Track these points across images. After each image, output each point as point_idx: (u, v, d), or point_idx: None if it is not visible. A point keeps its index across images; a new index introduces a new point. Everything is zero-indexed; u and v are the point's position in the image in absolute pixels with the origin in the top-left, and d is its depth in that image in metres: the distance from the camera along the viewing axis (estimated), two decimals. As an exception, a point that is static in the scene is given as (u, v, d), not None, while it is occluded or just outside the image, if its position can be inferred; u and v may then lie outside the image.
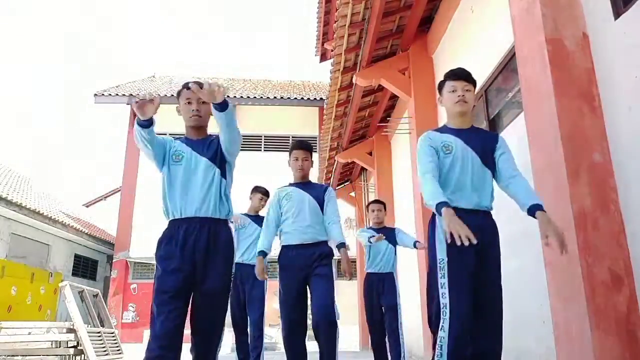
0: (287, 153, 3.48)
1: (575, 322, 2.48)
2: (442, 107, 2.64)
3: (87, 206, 20.77)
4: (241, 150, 2.58)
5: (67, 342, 6.14)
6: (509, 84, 4.30)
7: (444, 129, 2.55)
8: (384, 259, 4.62)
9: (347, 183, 11.63)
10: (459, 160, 2.40)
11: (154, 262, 2.38)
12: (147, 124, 2.27)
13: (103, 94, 15.17)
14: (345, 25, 5.56)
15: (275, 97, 15.36)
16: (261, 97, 15.26)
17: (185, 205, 2.37)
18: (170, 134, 2.64)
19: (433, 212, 2.46)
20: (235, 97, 14.87)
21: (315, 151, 12.57)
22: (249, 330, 4.36)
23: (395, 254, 4.69)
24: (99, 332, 6.74)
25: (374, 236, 4.44)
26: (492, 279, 2.35)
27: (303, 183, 3.40)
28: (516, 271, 3.63)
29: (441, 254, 2.33)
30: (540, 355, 3.45)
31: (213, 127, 2.61)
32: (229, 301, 2.65)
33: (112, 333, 7.23)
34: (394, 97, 7.68)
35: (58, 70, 65.89)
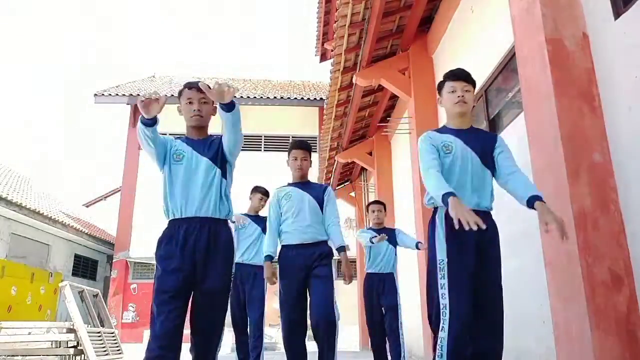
0: (287, 153, 3.49)
1: (575, 322, 2.48)
2: (441, 107, 2.64)
3: (87, 206, 20.78)
4: (241, 150, 2.58)
5: (67, 342, 6.14)
6: (509, 84, 4.31)
7: (443, 130, 2.55)
8: (384, 259, 4.61)
9: (347, 183, 11.64)
10: (459, 160, 2.40)
11: (154, 262, 2.38)
12: (151, 122, 2.27)
13: (103, 94, 15.17)
14: (345, 25, 5.57)
15: (275, 97, 15.37)
16: (261, 97, 15.27)
17: (185, 205, 2.38)
18: (170, 134, 2.64)
19: (433, 212, 2.47)
20: (235, 97, 14.77)
21: (315, 151, 12.64)
22: (248, 330, 4.36)
23: (396, 254, 4.69)
24: (99, 332, 6.74)
25: (375, 236, 4.42)
26: (493, 279, 2.35)
27: (302, 183, 3.40)
28: (516, 271, 3.63)
29: (441, 254, 2.33)
30: (540, 355, 3.45)
31: (213, 127, 2.62)
32: (229, 301, 2.65)
33: (112, 333, 7.23)
34: (394, 97, 7.68)
35: (58, 70, 65.95)
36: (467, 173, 2.39)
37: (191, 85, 2.49)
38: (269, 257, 3.28)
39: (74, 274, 14.96)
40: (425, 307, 5.47)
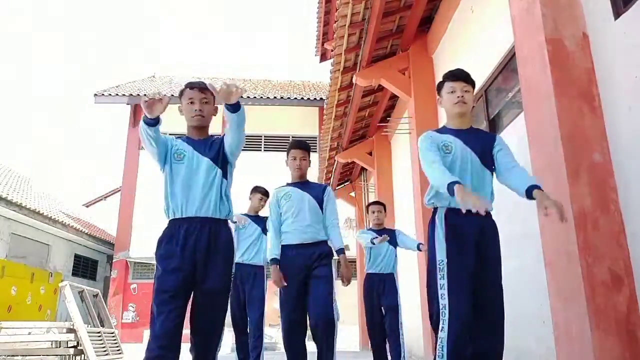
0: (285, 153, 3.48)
1: (575, 322, 2.48)
2: (441, 108, 2.64)
3: (87, 206, 20.78)
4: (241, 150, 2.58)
5: (67, 342, 6.14)
6: (509, 84, 4.31)
7: (443, 130, 2.55)
8: (384, 260, 4.60)
9: (347, 183, 11.64)
10: (459, 160, 2.40)
11: (154, 262, 2.38)
12: (154, 122, 2.29)
13: (103, 94, 15.17)
14: (345, 25, 5.57)
15: (275, 97, 15.38)
16: (261, 97, 15.27)
17: (186, 204, 2.38)
18: (170, 134, 2.64)
19: (433, 213, 2.47)
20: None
21: (315, 151, 12.65)
22: (248, 330, 4.36)
23: (396, 255, 4.68)
24: (99, 332, 6.74)
25: (376, 237, 4.39)
26: (493, 279, 2.35)
27: (301, 182, 3.39)
28: (516, 271, 3.63)
29: (440, 254, 2.33)
30: (540, 355, 3.45)
31: (213, 128, 2.62)
32: (229, 301, 2.64)
33: (112, 333, 7.23)
34: (394, 97, 7.68)
35: (58, 70, 65.95)
36: (466, 173, 2.39)
37: (193, 85, 2.50)
38: (276, 261, 3.22)
39: (74, 274, 14.96)
40: (425, 308, 5.47)
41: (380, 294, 4.56)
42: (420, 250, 4.56)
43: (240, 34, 74.31)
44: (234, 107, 2.29)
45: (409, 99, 6.14)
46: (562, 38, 2.81)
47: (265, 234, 4.33)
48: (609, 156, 2.66)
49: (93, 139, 57.67)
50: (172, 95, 13.94)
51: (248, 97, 15.12)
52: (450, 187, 2.13)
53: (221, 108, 2.46)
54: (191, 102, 2.49)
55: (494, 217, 2.45)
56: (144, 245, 13.04)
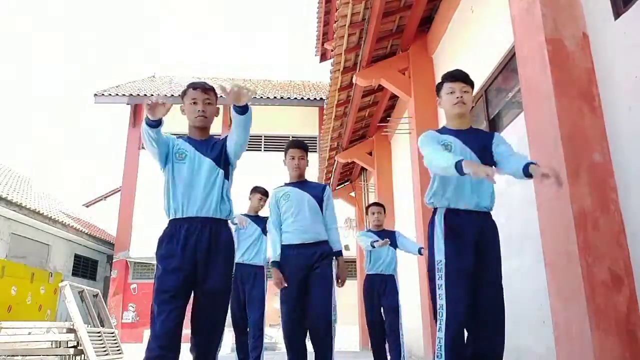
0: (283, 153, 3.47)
1: (575, 322, 2.48)
2: (441, 108, 2.64)
3: (87, 206, 20.78)
4: (241, 150, 2.58)
5: (67, 342, 6.14)
6: (509, 84, 4.31)
7: (443, 130, 2.55)
8: (384, 262, 4.58)
9: (347, 183, 11.63)
10: (458, 160, 2.40)
11: (154, 262, 2.38)
12: (156, 124, 2.31)
13: (103, 94, 15.17)
14: (345, 25, 5.57)
15: (275, 97, 15.38)
16: (261, 97, 15.27)
17: (187, 204, 2.38)
18: (171, 134, 2.64)
19: (433, 213, 2.47)
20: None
21: (315, 151, 12.66)
22: (249, 330, 4.36)
23: (396, 257, 4.67)
24: (99, 332, 6.74)
25: (376, 241, 4.31)
26: (493, 279, 2.36)
27: (300, 182, 3.38)
28: (516, 271, 3.63)
29: (439, 255, 2.33)
30: (540, 355, 3.45)
31: (213, 128, 2.62)
32: (229, 301, 2.64)
33: (112, 333, 7.23)
34: (394, 97, 7.68)
35: (58, 70, 65.95)
36: (467, 173, 2.38)
37: (196, 86, 2.51)
38: (277, 264, 3.21)
39: (74, 274, 14.96)
40: (425, 308, 5.48)
41: (381, 295, 4.55)
42: (422, 254, 4.50)
43: (240, 34, 74.35)
44: (243, 109, 2.31)
45: (409, 99, 6.14)
46: (562, 38, 2.81)
47: (266, 234, 4.33)
48: (609, 156, 2.66)
49: (93, 139, 57.75)
50: (172, 95, 13.96)
51: (248, 97, 15.09)
52: (458, 164, 2.10)
53: (221, 108, 2.47)
54: (194, 103, 2.49)
55: (494, 217, 2.45)
56: (144, 245, 13.04)
